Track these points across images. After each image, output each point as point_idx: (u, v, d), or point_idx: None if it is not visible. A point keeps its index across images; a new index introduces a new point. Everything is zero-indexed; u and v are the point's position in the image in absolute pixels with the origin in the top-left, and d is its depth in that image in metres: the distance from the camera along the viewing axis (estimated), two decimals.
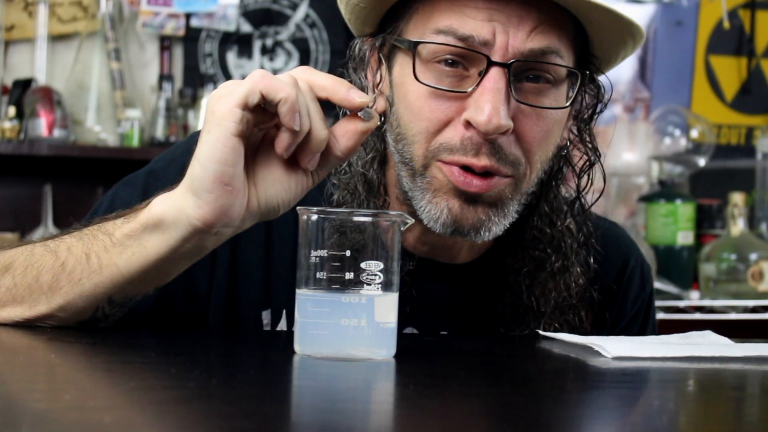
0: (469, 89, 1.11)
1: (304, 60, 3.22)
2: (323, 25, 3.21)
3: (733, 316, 2.60)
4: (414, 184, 1.16)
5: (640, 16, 3.27)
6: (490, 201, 1.14)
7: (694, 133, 2.96)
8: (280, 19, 3.20)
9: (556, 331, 1.22)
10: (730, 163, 3.25)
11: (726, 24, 3.32)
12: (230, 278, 1.21)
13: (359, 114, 1.00)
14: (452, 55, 1.11)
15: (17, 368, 0.91)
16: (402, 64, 1.16)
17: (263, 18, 3.19)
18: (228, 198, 0.97)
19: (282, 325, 1.21)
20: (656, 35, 3.32)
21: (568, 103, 1.15)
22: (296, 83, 0.96)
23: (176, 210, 0.99)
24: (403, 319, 1.20)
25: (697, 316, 2.60)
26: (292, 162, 1.00)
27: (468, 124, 1.11)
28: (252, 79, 0.95)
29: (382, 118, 1.06)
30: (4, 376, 0.87)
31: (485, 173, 1.12)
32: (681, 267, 2.73)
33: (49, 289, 1.05)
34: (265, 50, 3.24)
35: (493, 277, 1.25)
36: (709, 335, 1.19)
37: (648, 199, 2.78)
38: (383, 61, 1.18)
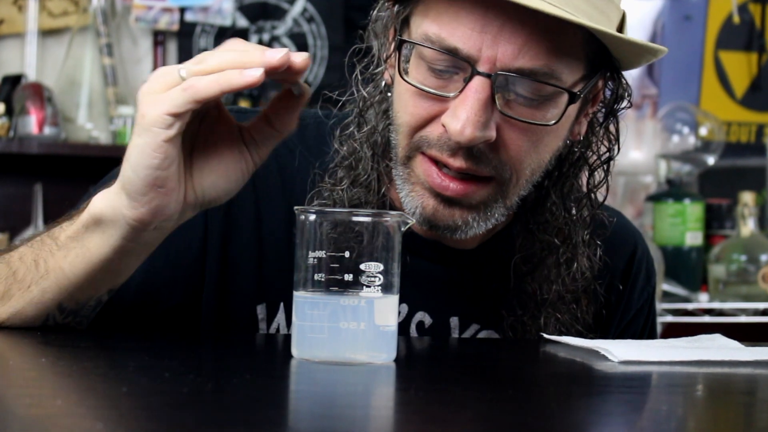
0: (452, 94, 1.10)
1: None
2: (321, 19, 3.21)
3: (743, 318, 2.60)
4: (397, 172, 1.17)
5: (648, 10, 3.27)
6: (470, 204, 1.14)
7: (703, 131, 2.96)
8: (277, 13, 3.20)
9: (557, 321, 1.22)
10: (740, 161, 3.25)
11: (736, 18, 3.32)
12: (221, 273, 1.21)
13: (292, 90, 1.00)
14: (436, 61, 1.11)
15: (7, 373, 0.91)
16: (404, 49, 1.15)
17: (259, 12, 3.19)
18: (162, 199, 0.98)
19: (280, 319, 1.21)
20: (664, 30, 3.32)
21: (553, 122, 1.11)
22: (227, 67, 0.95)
23: (112, 209, 1.00)
24: (412, 304, 1.22)
25: (706, 318, 2.60)
26: (231, 149, 1.01)
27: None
28: (181, 86, 0.95)
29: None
30: None
31: (465, 176, 1.12)
32: (689, 268, 2.73)
33: (1, 299, 1.07)
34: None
35: (502, 260, 1.25)
36: (718, 338, 1.19)
37: (656, 198, 2.78)
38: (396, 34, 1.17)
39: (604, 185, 1.25)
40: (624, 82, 1.20)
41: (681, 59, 3.33)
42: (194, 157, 1.01)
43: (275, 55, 0.95)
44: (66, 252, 1.04)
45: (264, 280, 1.21)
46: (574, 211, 1.24)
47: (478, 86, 1.08)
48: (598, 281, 1.26)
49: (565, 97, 1.11)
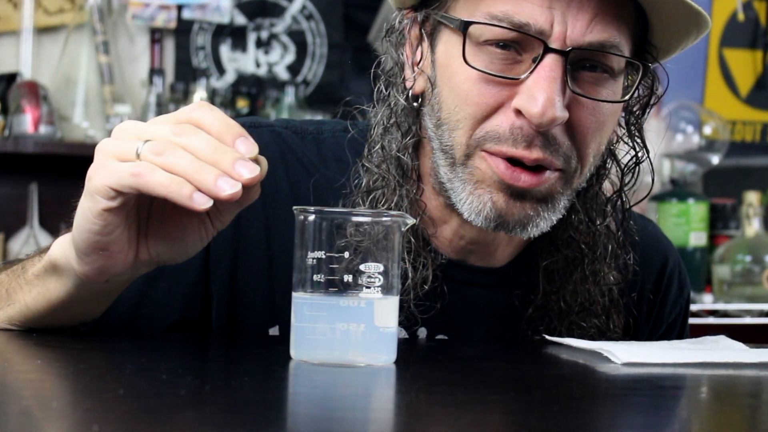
0: (523, 76, 1.08)
1: (301, 54, 3.22)
2: (321, 17, 3.21)
3: (747, 320, 2.60)
4: (454, 174, 1.13)
5: None
6: (540, 196, 1.12)
7: (708, 130, 2.96)
8: (276, 10, 3.20)
9: (581, 333, 1.21)
10: (744, 160, 3.25)
11: (740, 16, 3.32)
12: (231, 294, 1.19)
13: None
14: (507, 41, 1.08)
15: (2, 374, 0.91)
16: (448, 43, 1.13)
17: (258, 9, 3.20)
18: (107, 260, 0.97)
19: None
20: None
21: (626, 97, 1.12)
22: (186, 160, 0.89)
23: (65, 258, 1.00)
24: (433, 324, 1.20)
25: (711, 320, 2.60)
26: (189, 216, 0.97)
27: (519, 113, 1.08)
28: (132, 168, 0.89)
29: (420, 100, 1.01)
30: None
31: (536, 167, 1.10)
32: (694, 269, 2.73)
33: None
34: (260, 43, 3.24)
35: (527, 279, 1.23)
36: (722, 340, 1.19)
37: (659, 198, 2.78)
38: (425, 38, 1.15)
39: (635, 189, 1.22)
40: (657, 78, 1.19)
41: (685, 57, 3.31)
42: (150, 222, 0.98)
43: (225, 189, 0.88)
44: (30, 288, 1.06)
45: (276, 302, 1.19)
46: (598, 222, 1.21)
47: (552, 64, 1.07)
48: (632, 294, 1.24)
49: (625, 73, 1.12)
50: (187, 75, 3.11)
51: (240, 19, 3.17)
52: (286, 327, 1.19)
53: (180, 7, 3.10)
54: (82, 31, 2.99)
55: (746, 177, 3.18)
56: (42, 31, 3.03)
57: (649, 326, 1.30)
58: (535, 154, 1.09)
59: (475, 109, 1.10)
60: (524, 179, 1.10)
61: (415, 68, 1.16)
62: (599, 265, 1.21)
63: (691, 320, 2.54)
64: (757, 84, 3.35)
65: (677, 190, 2.77)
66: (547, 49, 1.07)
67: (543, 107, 1.06)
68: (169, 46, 3.13)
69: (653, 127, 2.92)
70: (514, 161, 1.10)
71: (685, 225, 2.73)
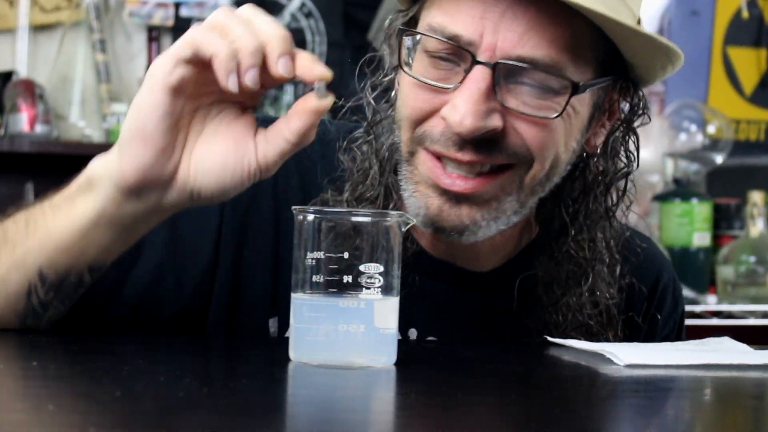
0: (452, 86, 1.10)
1: None
2: (320, 15, 3.21)
3: (752, 321, 2.60)
4: (401, 173, 1.16)
5: (654, 5, 3.27)
6: (481, 201, 1.12)
7: (711, 129, 2.96)
8: (274, 8, 3.20)
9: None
10: (748, 160, 3.25)
11: (745, 14, 3.32)
12: (234, 282, 1.20)
13: (315, 91, 0.97)
14: (441, 52, 1.11)
15: None
16: (408, 41, 1.15)
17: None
18: (148, 153, 0.97)
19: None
20: (671, 26, 3.32)
21: (554, 116, 1.10)
22: (240, 31, 0.94)
23: (103, 167, 1.01)
24: (421, 328, 1.20)
25: (714, 321, 2.60)
26: (238, 141, 0.99)
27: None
28: (190, 32, 0.95)
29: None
30: None
31: (473, 171, 1.11)
32: (697, 270, 2.73)
33: None
34: None
35: (519, 287, 1.23)
36: (726, 341, 1.19)
37: (662, 198, 2.78)
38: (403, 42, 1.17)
39: (626, 205, 1.23)
40: (641, 94, 1.19)
41: (688, 55, 3.31)
42: (201, 137, 0.99)
43: (286, 65, 0.94)
44: (55, 212, 1.04)
45: (278, 294, 1.20)
46: (599, 236, 1.22)
47: (478, 75, 1.08)
48: (628, 312, 1.25)
49: (569, 92, 1.10)
50: None
51: None
52: (285, 319, 1.20)
53: (177, 5, 3.10)
54: (78, 29, 2.99)
55: (750, 176, 3.17)
56: (38, 29, 3.02)
57: (640, 339, 1.30)
58: (467, 156, 1.10)
59: (411, 112, 1.13)
60: (459, 184, 1.11)
61: (396, 70, 1.19)
62: (598, 280, 1.22)
63: (695, 321, 2.55)
64: (761, 82, 3.35)
65: (680, 189, 2.77)
66: (475, 61, 1.08)
67: (461, 117, 1.07)
68: (167, 44, 3.13)
69: (656, 126, 2.92)
70: (453, 161, 1.11)
71: (689, 225, 2.73)
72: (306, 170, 1.23)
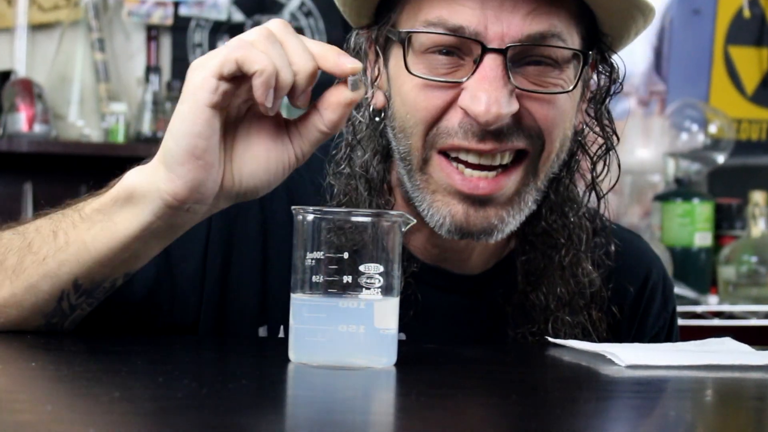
0: (464, 79, 1.11)
1: None
2: (320, 14, 3.21)
3: (753, 321, 2.60)
4: (413, 183, 1.16)
5: (656, 4, 3.27)
6: (503, 198, 1.14)
7: (713, 129, 2.96)
8: (274, 7, 3.20)
9: (568, 332, 1.22)
10: (750, 159, 3.25)
11: (746, 13, 3.32)
12: (222, 291, 1.21)
13: (348, 83, 0.99)
14: (445, 46, 1.12)
15: None
16: (397, 56, 1.16)
17: (256, 6, 3.20)
18: (200, 172, 0.97)
19: None
20: (672, 25, 3.32)
21: (571, 87, 1.14)
22: (278, 53, 0.95)
23: (148, 183, 0.99)
24: (408, 330, 1.20)
25: (716, 321, 2.60)
26: (274, 139, 1.00)
27: (466, 112, 1.11)
28: (229, 46, 0.95)
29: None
30: None
31: (498, 165, 1.12)
32: (698, 270, 2.73)
33: (13, 272, 1.06)
34: None
35: (506, 284, 1.25)
36: (728, 342, 1.19)
37: (663, 198, 2.78)
38: (380, 54, 1.19)
39: (608, 178, 1.24)
40: (615, 66, 1.21)
41: (690, 55, 3.33)
42: (237, 143, 1.00)
43: (347, 63, 0.97)
44: (90, 224, 1.03)
45: (267, 302, 1.20)
46: (572, 216, 1.23)
47: (491, 63, 1.10)
48: (611, 305, 1.25)
49: (574, 63, 1.13)
50: (183, 72, 3.08)
51: (238, 16, 3.17)
52: (275, 327, 1.20)
53: (177, 4, 3.10)
54: (77, 28, 2.99)
55: (752, 176, 3.18)
56: (36, 28, 3.02)
57: (630, 337, 1.31)
58: (489, 145, 1.11)
59: (424, 113, 1.13)
60: (483, 187, 1.12)
61: (372, 86, 1.19)
62: (575, 257, 1.22)
63: (696, 322, 2.55)
64: (763, 82, 3.35)
65: (682, 189, 2.78)
66: (485, 50, 1.10)
67: (486, 106, 1.09)
68: (166, 43, 3.13)
69: (657, 126, 2.92)
70: (471, 158, 1.12)
71: (690, 225, 2.73)
72: (291, 179, 1.22)
